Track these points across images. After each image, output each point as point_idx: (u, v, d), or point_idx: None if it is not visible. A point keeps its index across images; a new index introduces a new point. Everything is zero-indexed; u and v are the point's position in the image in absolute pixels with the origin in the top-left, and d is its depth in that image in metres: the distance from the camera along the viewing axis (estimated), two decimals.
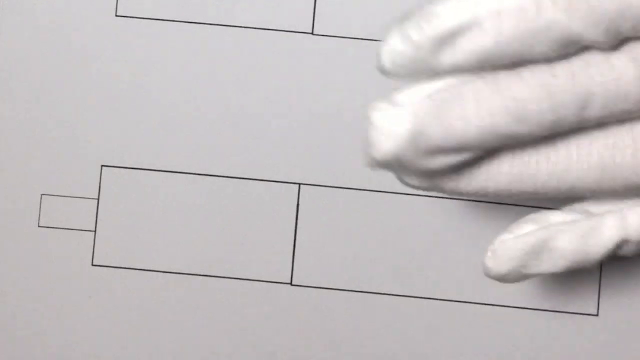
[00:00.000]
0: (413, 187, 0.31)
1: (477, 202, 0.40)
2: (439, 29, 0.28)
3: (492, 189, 0.31)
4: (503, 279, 0.31)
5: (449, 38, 0.28)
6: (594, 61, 0.29)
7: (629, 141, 0.30)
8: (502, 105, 0.29)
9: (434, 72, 0.29)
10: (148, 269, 0.41)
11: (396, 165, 0.29)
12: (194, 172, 0.41)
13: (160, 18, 0.41)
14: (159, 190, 0.41)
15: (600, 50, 0.29)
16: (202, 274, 0.41)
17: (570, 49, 0.28)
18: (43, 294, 0.41)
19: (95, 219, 0.41)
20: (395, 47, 0.29)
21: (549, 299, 0.40)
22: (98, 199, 0.41)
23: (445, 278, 0.40)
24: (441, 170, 0.30)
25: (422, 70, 0.29)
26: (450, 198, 0.40)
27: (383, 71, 0.30)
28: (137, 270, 0.41)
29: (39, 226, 0.41)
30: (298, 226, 0.41)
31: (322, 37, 0.41)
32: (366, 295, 0.40)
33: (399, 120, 0.29)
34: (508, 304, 0.40)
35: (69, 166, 0.41)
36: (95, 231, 0.41)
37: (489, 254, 0.31)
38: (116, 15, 0.41)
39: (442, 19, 0.28)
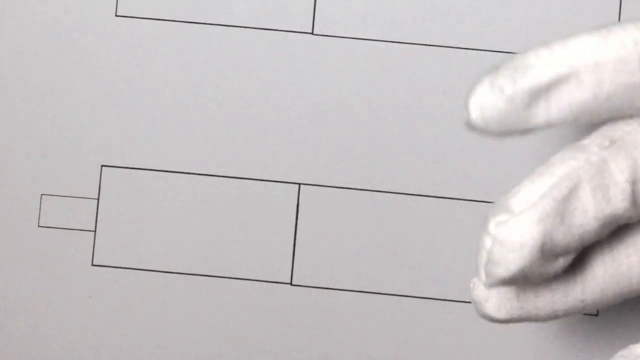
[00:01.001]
0: (500, 321, 0.29)
1: (477, 202, 0.40)
2: (534, 81, 0.26)
3: (589, 299, 0.29)
4: None
5: (544, 91, 0.26)
6: None
7: None
8: (619, 190, 0.27)
9: (526, 128, 0.27)
10: (148, 269, 0.41)
11: (520, 279, 0.27)
12: (194, 172, 0.41)
13: (160, 18, 0.41)
14: (159, 190, 0.41)
15: None
16: (202, 274, 0.41)
17: None
18: (43, 294, 0.41)
19: (95, 219, 0.41)
20: (486, 100, 0.27)
21: None
22: (98, 199, 0.41)
23: (445, 278, 0.40)
24: (550, 279, 0.28)
25: (514, 125, 0.27)
26: (450, 198, 0.40)
27: (471, 125, 0.27)
28: (137, 270, 0.41)
29: (39, 226, 0.41)
30: (298, 226, 0.41)
31: (322, 37, 0.41)
32: (366, 295, 0.40)
33: (525, 230, 0.26)
34: None
35: (69, 166, 0.41)
36: (95, 231, 0.41)
37: None
38: (116, 15, 0.41)
39: (537, 71, 0.26)
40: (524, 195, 0.27)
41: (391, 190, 0.40)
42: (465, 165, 0.40)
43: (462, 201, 0.40)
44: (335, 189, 0.41)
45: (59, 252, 0.41)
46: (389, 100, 0.40)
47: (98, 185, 0.41)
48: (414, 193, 0.40)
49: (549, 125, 0.27)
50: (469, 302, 0.40)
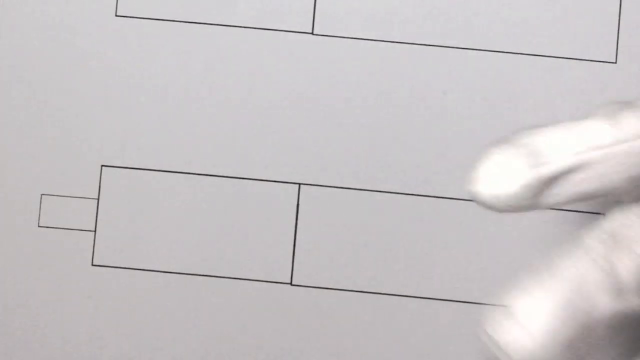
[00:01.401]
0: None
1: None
2: (550, 171, 0.27)
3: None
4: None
5: (555, 179, 0.28)
6: None
7: None
8: (630, 289, 0.28)
9: (532, 208, 0.28)
10: (148, 269, 0.41)
11: None
12: (194, 172, 0.41)
13: (160, 18, 0.41)
14: (159, 190, 0.41)
15: None
16: (202, 274, 0.41)
17: None
18: (43, 294, 0.41)
19: (95, 219, 0.41)
20: (500, 187, 0.28)
21: None
22: (98, 199, 0.41)
23: (445, 278, 0.40)
24: None
25: (523, 206, 0.28)
26: (450, 198, 0.40)
27: (480, 201, 0.28)
28: (137, 270, 0.41)
29: (39, 226, 0.41)
30: (298, 226, 0.41)
31: (322, 37, 0.41)
32: (366, 295, 0.40)
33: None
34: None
35: (69, 166, 0.41)
36: (95, 231, 0.41)
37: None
38: (116, 15, 0.41)
39: (551, 161, 0.27)
40: (532, 304, 0.27)
41: (391, 190, 0.40)
42: (465, 165, 0.40)
43: (461, 201, 0.40)
44: (335, 189, 0.41)
45: (59, 252, 0.41)
46: (389, 100, 0.41)
47: (98, 185, 0.41)
48: (414, 193, 0.40)
49: (553, 207, 0.28)
50: (469, 302, 0.40)
